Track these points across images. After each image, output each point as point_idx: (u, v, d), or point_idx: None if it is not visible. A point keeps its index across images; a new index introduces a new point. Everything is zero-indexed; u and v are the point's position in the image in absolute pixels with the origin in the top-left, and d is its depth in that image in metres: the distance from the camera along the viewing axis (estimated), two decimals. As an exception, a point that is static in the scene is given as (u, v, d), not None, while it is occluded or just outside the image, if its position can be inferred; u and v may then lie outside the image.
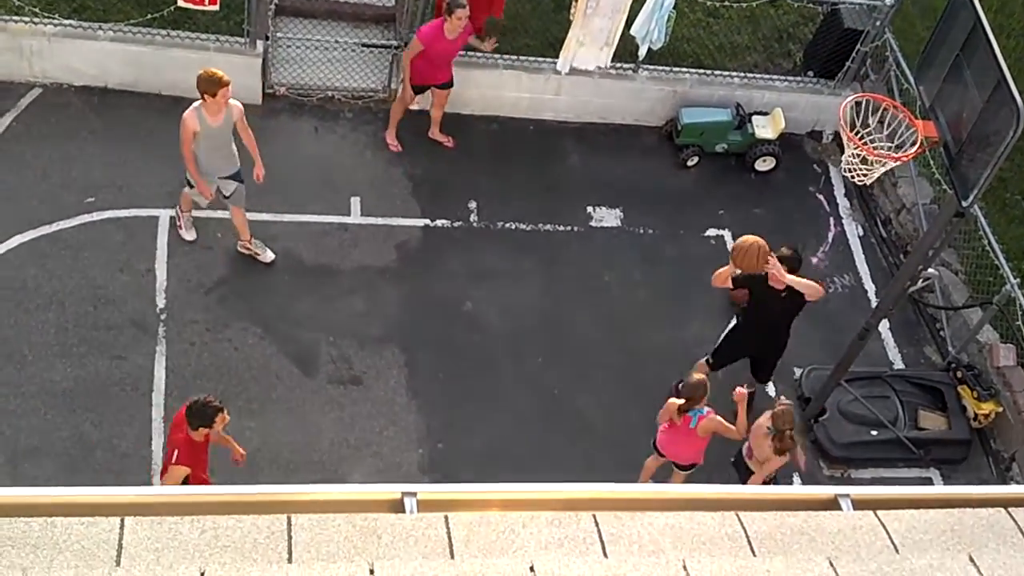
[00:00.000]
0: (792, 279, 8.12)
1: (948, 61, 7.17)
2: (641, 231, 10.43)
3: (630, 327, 9.69)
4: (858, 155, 7.60)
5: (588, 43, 10.33)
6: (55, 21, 9.91)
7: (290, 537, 3.48)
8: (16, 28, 9.81)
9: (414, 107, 10.41)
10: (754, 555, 3.76)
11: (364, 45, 10.77)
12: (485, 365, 9.22)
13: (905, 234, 10.77)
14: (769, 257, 8.06)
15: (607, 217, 10.46)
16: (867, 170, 7.67)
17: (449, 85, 10.13)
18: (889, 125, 7.72)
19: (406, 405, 8.85)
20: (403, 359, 9.09)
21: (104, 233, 9.28)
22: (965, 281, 10.29)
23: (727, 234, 10.48)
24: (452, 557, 3.52)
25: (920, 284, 9.23)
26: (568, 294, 9.82)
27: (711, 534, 3.79)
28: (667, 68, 11.03)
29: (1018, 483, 9.29)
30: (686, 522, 3.81)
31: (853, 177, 7.81)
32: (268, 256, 9.37)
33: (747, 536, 3.80)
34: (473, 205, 10.26)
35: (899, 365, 10.00)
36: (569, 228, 10.30)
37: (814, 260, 10.46)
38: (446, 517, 3.64)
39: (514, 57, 10.77)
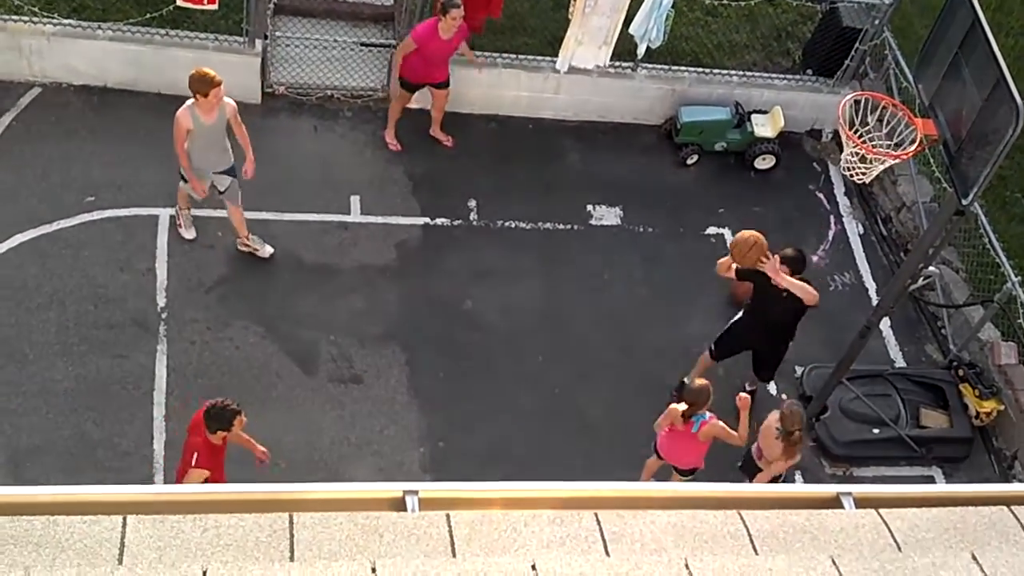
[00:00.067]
0: (788, 281, 8.10)
1: (947, 59, 7.16)
2: (641, 229, 10.43)
3: (630, 325, 9.70)
4: (857, 153, 7.60)
5: (587, 42, 10.33)
6: (54, 20, 9.91)
7: (292, 535, 3.48)
8: (16, 27, 9.81)
9: (413, 106, 10.41)
10: (756, 554, 3.75)
11: (363, 44, 10.77)
12: (485, 364, 9.22)
13: (905, 232, 10.77)
14: (766, 255, 8.07)
15: (607, 215, 10.46)
16: (866, 168, 7.67)
17: (446, 85, 10.12)
18: (888, 123, 7.72)
19: (407, 404, 8.85)
20: (404, 358, 9.10)
21: (104, 232, 9.28)
22: (966, 279, 10.29)
23: (727, 232, 10.48)
24: (454, 555, 3.52)
25: (921, 282, 9.24)
26: (568, 292, 9.83)
27: (713, 532, 3.79)
28: (666, 67, 11.03)
29: (1020, 481, 9.30)
30: (688, 520, 3.81)
31: (852, 175, 7.81)
32: (267, 251, 9.37)
33: (749, 534, 3.80)
34: (473, 204, 10.26)
35: (900, 363, 10.00)
36: (569, 226, 10.30)
37: (815, 259, 10.46)
38: (448, 515, 3.64)
39: (513, 56, 10.77)
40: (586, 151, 10.97)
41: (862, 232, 10.97)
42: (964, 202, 7.07)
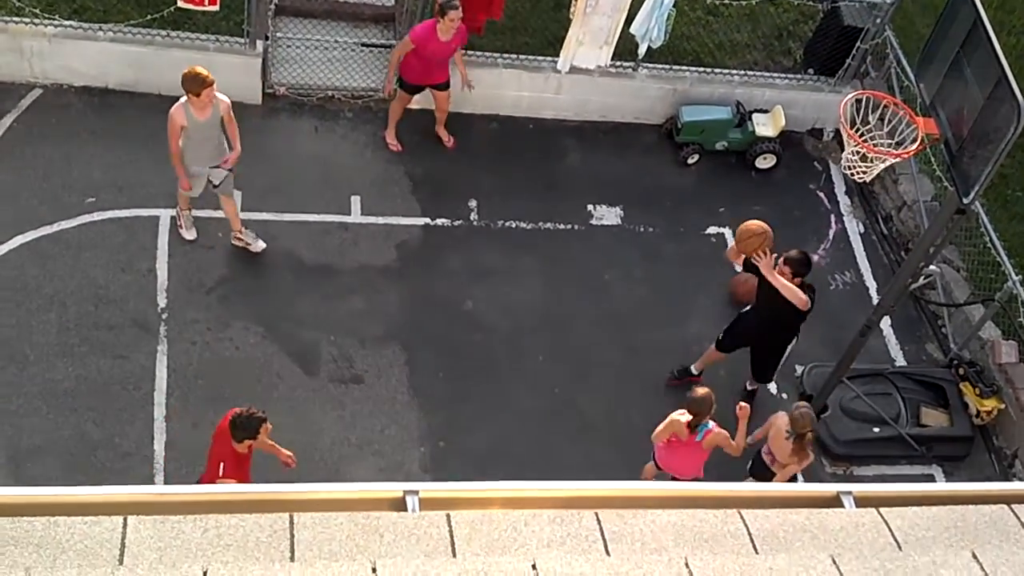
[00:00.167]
0: (779, 281, 8.10)
1: (948, 58, 7.16)
2: (641, 229, 10.43)
3: (631, 325, 9.69)
4: (858, 152, 7.60)
5: (588, 42, 10.33)
6: (55, 22, 9.91)
7: (292, 536, 3.48)
8: (17, 29, 9.81)
9: (413, 106, 10.41)
10: (756, 553, 3.75)
11: (364, 45, 10.77)
12: (486, 364, 9.22)
13: (906, 231, 10.76)
14: (764, 250, 8.07)
15: (607, 215, 10.46)
16: (867, 167, 7.66)
17: (446, 86, 10.11)
18: (889, 122, 7.71)
19: (407, 404, 8.85)
20: (404, 358, 9.10)
21: (105, 233, 9.28)
22: (967, 278, 10.29)
23: (727, 232, 10.48)
24: (454, 555, 3.52)
25: (922, 281, 9.22)
26: (568, 292, 9.82)
27: (713, 532, 3.79)
28: (667, 66, 11.03)
29: (1021, 479, 9.29)
30: (688, 520, 3.80)
31: (853, 174, 7.81)
32: (259, 245, 9.39)
33: (749, 534, 3.80)
34: (473, 204, 10.26)
35: (901, 362, 10.00)
36: (569, 226, 10.30)
37: (815, 257, 10.45)
38: (448, 515, 3.64)
39: (514, 56, 10.76)
40: (587, 151, 10.97)
41: (863, 231, 10.96)
42: (965, 201, 7.06)
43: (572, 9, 10.19)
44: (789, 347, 8.77)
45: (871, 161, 7.60)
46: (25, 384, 8.36)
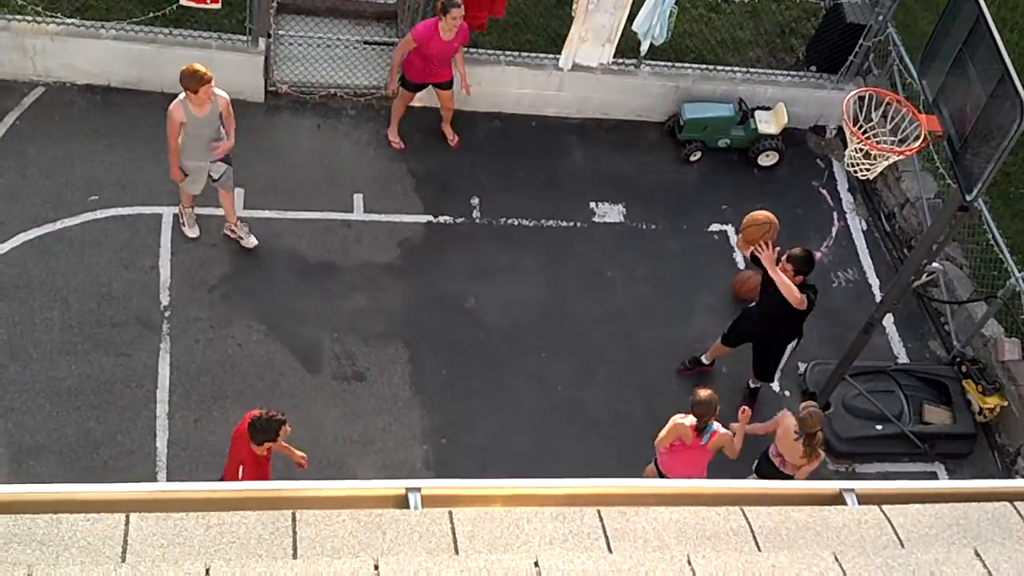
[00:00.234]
0: (777, 274, 8.11)
1: (951, 55, 7.15)
2: (644, 226, 10.43)
3: (633, 322, 9.69)
4: (861, 149, 7.59)
5: (590, 39, 10.33)
6: (58, 20, 9.92)
7: (295, 533, 3.48)
8: (19, 27, 9.82)
9: (416, 104, 10.40)
10: (759, 550, 3.75)
11: (366, 42, 10.77)
12: (488, 361, 9.22)
13: (909, 228, 10.75)
14: (766, 242, 8.08)
15: (610, 213, 10.45)
16: (870, 164, 7.66)
17: (449, 85, 10.09)
18: (892, 120, 7.70)
19: (409, 401, 8.86)
20: (406, 355, 9.10)
21: (108, 231, 9.29)
22: (969, 275, 10.28)
23: (730, 229, 10.48)
24: (456, 553, 3.52)
25: (924, 278, 9.23)
26: (571, 290, 9.82)
27: (716, 529, 3.78)
28: (669, 64, 11.01)
29: (1023, 477, 9.28)
30: (691, 517, 3.80)
31: (856, 172, 7.80)
32: (251, 241, 9.40)
33: (752, 531, 3.80)
34: (475, 201, 10.26)
35: (903, 359, 9.99)
36: (572, 224, 10.30)
37: (818, 255, 10.44)
38: (450, 513, 3.64)
39: (516, 53, 10.76)
40: (589, 148, 10.96)
41: (865, 228, 10.95)
42: (968, 198, 7.06)
43: (574, 7, 10.18)
44: (790, 346, 8.75)
45: (874, 158, 7.60)
46: (28, 382, 8.37)
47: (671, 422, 7.66)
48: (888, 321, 10.00)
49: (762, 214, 8.37)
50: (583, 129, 11.10)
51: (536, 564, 3.52)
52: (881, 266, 10.64)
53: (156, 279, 9.11)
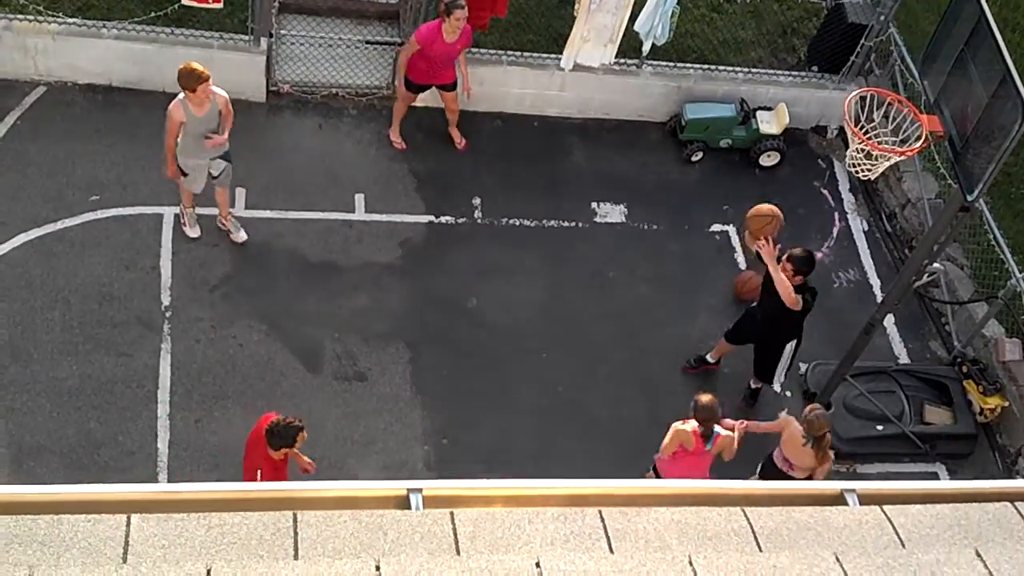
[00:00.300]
0: (774, 269, 8.12)
1: (953, 55, 7.15)
2: (645, 227, 10.42)
3: (634, 323, 9.69)
4: (863, 150, 7.59)
5: (592, 39, 10.32)
6: (59, 19, 9.92)
7: (296, 534, 3.48)
8: (21, 26, 9.82)
9: (418, 104, 10.40)
10: (760, 551, 3.75)
11: (368, 42, 10.77)
12: (490, 361, 9.22)
13: (910, 229, 10.75)
14: (767, 237, 8.09)
15: (611, 213, 10.45)
16: (871, 165, 7.66)
17: (453, 87, 10.08)
18: (894, 120, 7.70)
19: (411, 401, 8.86)
20: (408, 355, 9.10)
21: (109, 231, 9.29)
22: (970, 276, 10.28)
23: (731, 230, 10.48)
24: (458, 553, 3.52)
25: (925, 279, 9.22)
26: (572, 290, 9.82)
27: (717, 530, 3.78)
28: (671, 64, 11.01)
29: (1024, 477, 9.29)
30: (692, 517, 3.80)
31: (857, 172, 7.80)
32: (240, 236, 9.41)
33: (753, 532, 3.80)
34: (477, 201, 10.25)
35: (904, 360, 9.99)
36: (573, 224, 10.30)
37: (819, 255, 10.44)
38: (451, 513, 3.64)
39: (518, 53, 10.76)
40: (591, 149, 10.96)
41: (867, 228, 10.95)
42: (969, 198, 7.06)
43: (576, 7, 10.18)
44: (788, 346, 8.71)
45: (875, 159, 7.60)
46: (29, 382, 8.38)
47: (672, 430, 7.62)
48: (889, 321, 9.99)
49: (766, 207, 8.42)
50: (585, 129, 11.10)
51: (538, 565, 3.51)
52: (882, 266, 10.64)
53: (157, 279, 9.11)
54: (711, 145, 10.99)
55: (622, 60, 10.73)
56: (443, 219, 10.08)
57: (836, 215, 11.01)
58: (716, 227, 10.55)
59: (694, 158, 11.00)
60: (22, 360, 8.47)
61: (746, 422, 7.95)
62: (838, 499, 4.09)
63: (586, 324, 9.60)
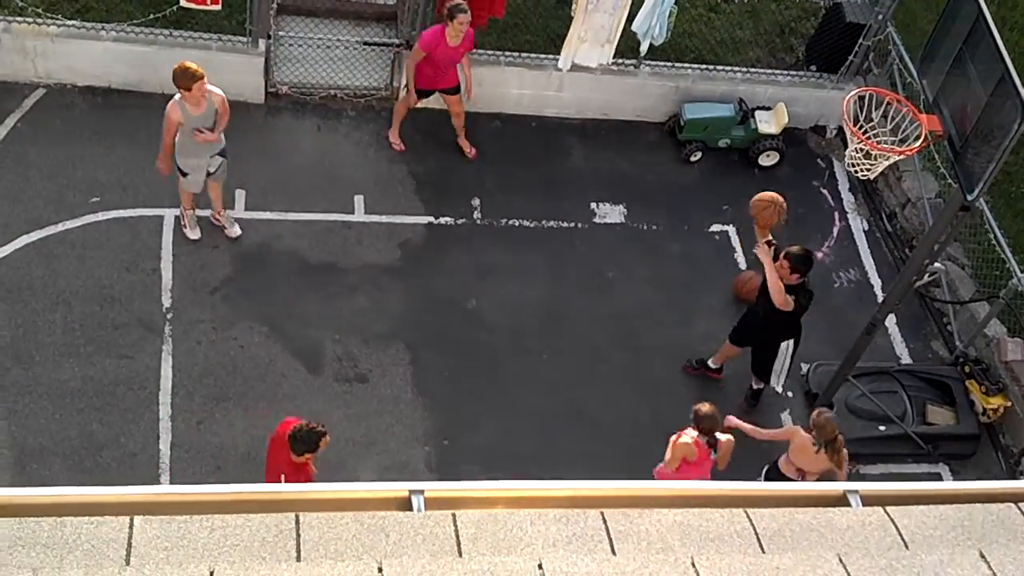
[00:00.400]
0: (768, 265, 8.12)
1: (951, 55, 7.15)
2: (645, 227, 10.42)
3: (634, 323, 9.69)
4: (862, 149, 7.59)
5: (590, 39, 10.32)
6: (58, 22, 9.92)
7: (298, 535, 3.48)
8: (20, 29, 9.82)
9: (417, 105, 10.39)
10: (763, 552, 3.75)
11: (366, 43, 10.76)
12: (490, 362, 9.22)
13: (910, 228, 10.75)
14: (768, 239, 8.09)
15: (610, 213, 10.45)
16: (871, 164, 7.66)
17: (456, 90, 10.07)
18: (893, 119, 7.70)
19: (412, 402, 8.86)
20: (408, 356, 9.10)
21: (110, 233, 9.29)
22: (971, 275, 10.28)
23: (731, 229, 10.48)
24: (460, 555, 3.52)
25: (926, 278, 9.22)
26: (572, 291, 9.82)
27: (720, 531, 3.78)
28: (669, 64, 11.01)
29: (1026, 477, 9.28)
30: (695, 519, 3.80)
31: (857, 172, 7.80)
32: (235, 231, 9.43)
33: (756, 533, 3.80)
34: (476, 202, 10.25)
35: (906, 360, 9.98)
36: (572, 224, 10.30)
37: (819, 255, 10.44)
38: (453, 515, 3.64)
39: (516, 54, 10.75)
40: (589, 149, 10.96)
41: (867, 228, 10.95)
42: (969, 198, 7.06)
43: (574, 7, 10.18)
44: (784, 346, 8.68)
45: (875, 158, 7.60)
46: (31, 384, 8.37)
47: (673, 445, 7.59)
48: (890, 321, 9.99)
49: (767, 193, 8.40)
50: (583, 130, 11.10)
51: (540, 566, 3.51)
52: (883, 266, 10.63)
53: (158, 281, 9.11)
54: (710, 145, 10.99)
55: (620, 60, 10.73)
56: (442, 220, 10.07)
57: (836, 215, 11.01)
58: (715, 227, 10.55)
59: (693, 158, 11.00)
60: (24, 362, 8.46)
61: (746, 424, 7.92)
62: (841, 500, 4.09)
63: (586, 324, 9.60)
